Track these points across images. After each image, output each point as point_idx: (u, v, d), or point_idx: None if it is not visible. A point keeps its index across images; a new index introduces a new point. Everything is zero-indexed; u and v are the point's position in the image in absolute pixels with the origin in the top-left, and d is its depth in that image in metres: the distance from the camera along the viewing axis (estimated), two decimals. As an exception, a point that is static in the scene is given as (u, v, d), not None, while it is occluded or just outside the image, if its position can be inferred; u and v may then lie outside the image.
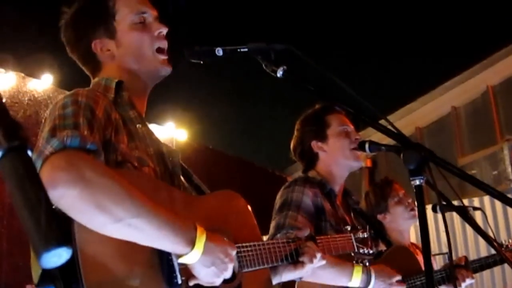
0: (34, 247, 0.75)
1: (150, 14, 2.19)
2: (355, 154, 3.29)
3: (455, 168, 1.91)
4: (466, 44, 9.17)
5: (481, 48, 9.08)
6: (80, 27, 2.17)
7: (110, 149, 1.85)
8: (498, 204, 7.20)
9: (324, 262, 2.38)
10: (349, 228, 2.69)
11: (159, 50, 2.17)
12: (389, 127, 1.98)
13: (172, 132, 8.45)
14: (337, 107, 3.32)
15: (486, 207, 6.99)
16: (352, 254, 2.63)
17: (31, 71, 6.30)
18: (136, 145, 1.97)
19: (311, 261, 2.28)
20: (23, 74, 6.23)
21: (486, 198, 7.39)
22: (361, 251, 2.63)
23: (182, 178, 2.18)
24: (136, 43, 2.14)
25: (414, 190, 1.88)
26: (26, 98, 6.20)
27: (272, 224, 3.10)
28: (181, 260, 1.78)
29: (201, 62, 2.11)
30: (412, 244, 4.35)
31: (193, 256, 1.78)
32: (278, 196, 3.23)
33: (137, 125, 2.04)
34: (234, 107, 8.93)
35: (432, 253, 7.48)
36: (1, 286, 3.22)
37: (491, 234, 3.61)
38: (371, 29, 9.82)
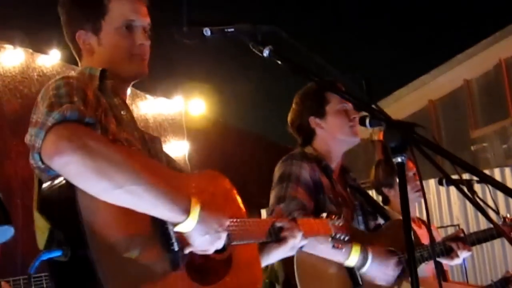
0: None
1: (139, 24, 2.21)
2: (354, 130, 3.30)
3: (437, 146, 1.90)
4: (479, 16, 9.09)
5: (494, 21, 8.99)
6: (71, 13, 2.20)
7: (102, 129, 1.91)
8: (508, 176, 7.19)
9: (306, 241, 2.42)
10: (325, 215, 2.73)
11: (136, 56, 2.20)
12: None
13: (181, 106, 8.47)
14: (332, 84, 3.33)
15: (497, 179, 6.99)
16: (330, 239, 2.66)
17: (39, 47, 6.34)
18: (123, 129, 2.03)
19: (292, 236, 2.33)
20: (31, 50, 6.28)
21: (496, 170, 7.39)
22: (337, 236, 2.67)
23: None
24: (115, 48, 2.17)
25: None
26: (35, 74, 6.26)
27: (272, 195, 3.13)
28: (177, 228, 1.86)
29: (189, 42, 2.14)
30: (418, 218, 4.38)
31: (189, 225, 1.86)
32: (276, 169, 3.25)
33: (122, 112, 2.10)
34: (247, 81, 8.92)
35: (444, 225, 7.54)
36: (17, 256, 3.33)
37: (496, 207, 3.64)
38: (384, 2, 9.74)
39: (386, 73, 9.60)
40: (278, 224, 2.35)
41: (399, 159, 1.86)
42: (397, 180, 4.34)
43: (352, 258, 3.00)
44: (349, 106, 3.36)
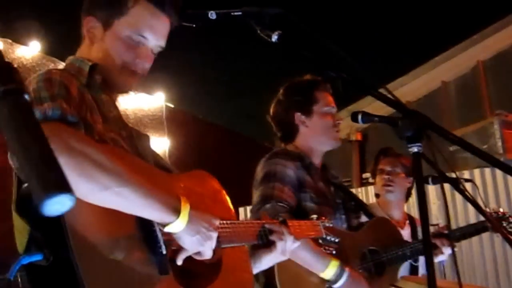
0: (34, 195, 0.72)
1: (151, 44, 2.14)
2: (336, 135, 3.31)
3: (454, 136, 1.89)
4: (457, 18, 9.14)
5: (472, 23, 9.06)
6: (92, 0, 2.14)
7: (87, 127, 1.83)
8: (488, 177, 7.26)
9: (298, 244, 2.39)
10: (315, 217, 2.71)
11: (128, 70, 2.13)
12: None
13: (161, 101, 8.39)
14: (328, 80, 3.30)
15: (476, 180, 7.06)
16: (320, 241, 2.64)
17: (18, 38, 6.22)
18: (110, 127, 1.96)
19: (280, 239, 2.28)
20: (10, 41, 6.17)
21: (476, 171, 7.43)
22: (328, 238, 2.65)
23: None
24: (113, 52, 2.09)
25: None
26: (14, 65, 6.14)
27: (257, 194, 3.10)
28: (167, 229, 1.81)
29: (194, 26, 2.09)
30: (407, 215, 4.39)
31: (178, 225, 1.81)
32: (259, 168, 3.22)
33: (109, 109, 2.03)
34: (223, 76, 8.88)
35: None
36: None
37: (481, 205, 3.65)
38: (358, 4, 9.77)
39: (361, 74, 9.62)
40: (268, 227, 2.29)
41: (415, 149, 1.84)
42: (376, 174, 4.34)
43: (329, 271, 2.97)
44: (335, 109, 3.36)
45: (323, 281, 3.02)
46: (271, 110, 3.47)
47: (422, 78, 9.91)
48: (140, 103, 8.07)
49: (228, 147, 9.54)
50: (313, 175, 3.27)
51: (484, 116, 8.88)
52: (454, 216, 7.45)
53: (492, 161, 1.81)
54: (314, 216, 2.72)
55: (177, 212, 1.80)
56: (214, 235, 1.91)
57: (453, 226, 7.26)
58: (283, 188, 3.06)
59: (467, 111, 9.20)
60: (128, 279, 1.72)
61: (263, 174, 3.16)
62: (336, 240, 2.71)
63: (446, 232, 3.71)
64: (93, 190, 1.65)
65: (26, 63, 6.22)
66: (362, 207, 3.60)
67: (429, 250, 1.82)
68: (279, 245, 2.29)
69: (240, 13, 2.03)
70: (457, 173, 6.74)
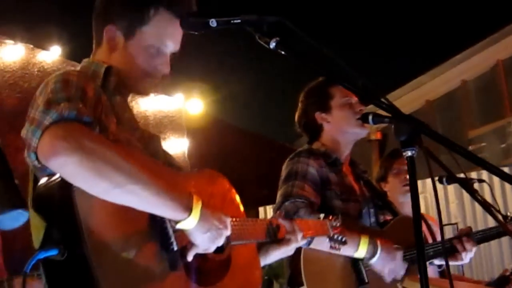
0: None
1: (170, 48, 2.18)
2: (360, 123, 3.29)
3: (448, 141, 1.91)
4: (477, 17, 9.10)
5: (492, 22, 9.01)
6: (113, 6, 2.16)
7: (101, 128, 1.88)
8: (496, 178, 7.20)
9: (305, 241, 2.42)
10: (322, 215, 2.73)
11: (151, 75, 2.17)
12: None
13: (181, 103, 8.47)
14: (333, 80, 3.33)
15: (494, 180, 7.01)
16: (327, 240, 2.66)
17: (39, 43, 6.33)
18: (123, 128, 2.01)
19: (293, 237, 2.33)
20: (32, 46, 6.27)
21: (485, 173, 7.40)
22: (335, 237, 2.67)
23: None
24: (137, 61, 2.12)
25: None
26: (35, 69, 6.26)
27: (279, 193, 3.14)
28: (178, 226, 1.85)
29: (196, 33, 2.15)
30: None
31: (190, 222, 1.84)
32: (283, 168, 3.26)
33: (123, 111, 2.08)
34: (245, 80, 8.93)
35: (443, 223, 7.56)
36: (16, 252, 3.33)
37: (497, 207, 3.64)
38: (381, 2, 9.75)
39: (383, 73, 9.62)
40: (277, 223, 2.32)
41: (409, 153, 1.86)
42: (389, 174, 4.33)
43: (361, 250, 3.01)
44: (354, 99, 3.37)
45: (349, 268, 3.06)
46: (295, 118, 3.54)
47: (442, 77, 9.88)
48: (160, 105, 8.16)
49: (248, 147, 9.59)
50: (339, 172, 3.31)
51: (504, 115, 8.84)
52: (472, 215, 7.44)
53: (485, 166, 1.83)
54: (322, 215, 2.74)
55: (189, 209, 1.83)
56: (225, 232, 1.94)
57: (471, 225, 7.27)
58: (304, 185, 3.10)
59: (487, 110, 9.16)
60: (139, 275, 1.77)
61: (285, 173, 3.21)
62: (344, 239, 2.73)
63: (469, 233, 3.67)
64: (107, 188, 1.69)
65: (47, 68, 6.33)
66: (387, 204, 3.62)
67: (422, 253, 1.85)
68: (287, 241, 2.33)
69: (239, 20, 2.08)
70: (475, 172, 6.75)
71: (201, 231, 1.87)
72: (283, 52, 2.01)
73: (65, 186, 1.70)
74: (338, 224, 2.71)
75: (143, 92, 2.22)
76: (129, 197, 1.74)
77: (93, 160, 1.68)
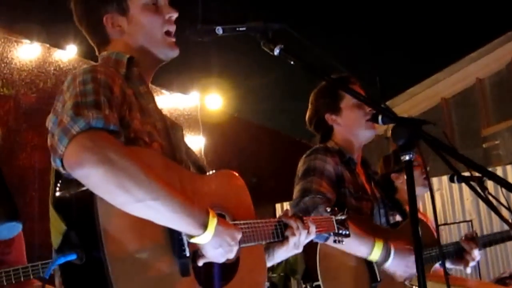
0: None
1: None
2: (370, 124, 3.33)
3: (443, 145, 1.94)
4: (492, 15, 9.05)
5: (507, 19, 8.96)
6: (90, 6, 2.21)
7: (124, 125, 1.94)
8: (511, 176, 7.20)
9: (312, 237, 2.44)
10: (328, 209, 2.75)
11: (168, 33, 2.24)
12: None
13: (197, 101, 8.51)
14: (349, 79, 3.36)
15: (509, 177, 6.99)
16: (332, 235, 2.69)
17: (56, 42, 6.41)
18: (146, 120, 2.05)
19: (293, 234, 2.33)
20: (48, 45, 6.35)
21: (509, 167, 7.39)
22: (340, 231, 2.70)
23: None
24: (147, 24, 2.20)
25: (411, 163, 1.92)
26: (52, 68, 6.34)
27: (297, 189, 3.16)
28: (192, 240, 1.91)
29: (203, 40, 2.20)
30: (420, 213, 4.41)
31: (205, 238, 1.90)
32: (300, 164, 3.29)
33: (147, 101, 2.13)
34: (262, 77, 8.95)
35: (457, 220, 7.56)
36: (35, 247, 3.42)
37: (506, 205, 3.65)
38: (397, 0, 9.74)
39: (399, 70, 9.61)
40: (284, 221, 2.35)
41: (407, 157, 1.90)
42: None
43: (375, 252, 3.04)
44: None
45: (363, 265, 3.09)
46: (306, 118, 3.57)
47: (458, 75, 9.85)
48: (176, 102, 8.22)
49: (264, 144, 9.61)
50: (352, 171, 3.34)
51: (520, 113, 8.82)
52: (487, 212, 7.43)
53: (478, 168, 1.86)
54: (328, 208, 2.75)
55: (204, 226, 1.89)
56: (235, 248, 2.00)
57: (486, 222, 7.27)
58: (321, 182, 3.13)
59: (502, 108, 9.13)
60: (153, 281, 1.83)
61: (303, 169, 3.24)
62: (347, 233, 2.76)
63: (473, 237, 3.69)
64: (127, 201, 1.75)
65: (63, 67, 6.41)
66: (398, 206, 3.64)
67: (419, 251, 1.89)
68: (292, 239, 2.34)
69: (244, 28, 2.13)
70: (491, 169, 6.74)
71: (213, 246, 1.94)
72: (287, 59, 2.06)
73: (87, 192, 1.76)
74: (344, 218, 2.74)
75: (167, 55, 2.26)
76: (148, 212, 1.80)
77: (117, 174, 1.73)
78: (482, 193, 2.57)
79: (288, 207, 3.17)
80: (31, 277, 3.24)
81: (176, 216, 1.84)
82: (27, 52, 6.20)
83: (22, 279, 3.21)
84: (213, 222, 1.91)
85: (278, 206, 8.99)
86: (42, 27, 6.15)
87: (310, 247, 2.52)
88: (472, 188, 2.72)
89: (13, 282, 3.18)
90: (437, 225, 1.96)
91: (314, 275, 2.98)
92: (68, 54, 6.53)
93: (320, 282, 2.97)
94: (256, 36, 2.11)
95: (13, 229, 0.83)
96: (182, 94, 8.27)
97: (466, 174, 2.35)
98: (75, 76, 1.95)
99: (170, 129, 2.20)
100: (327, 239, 2.60)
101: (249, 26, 2.12)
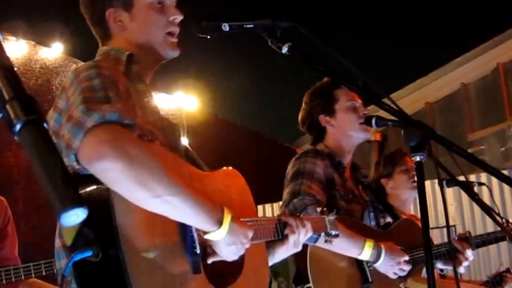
0: (54, 208, 0.82)
1: None
2: (363, 127, 3.34)
3: (455, 145, 1.94)
4: (477, 21, 9.13)
5: (492, 25, 9.05)
6: None
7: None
8: (496, 181, 7.24)
9: (310, 234, 2.44)
10: (318, 209, 2.75)
11: (170, 34, 2.21)
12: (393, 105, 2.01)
13: (181, 101, 8.46)
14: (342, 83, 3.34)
15: (493, 183, 7.03)
16: (323, 234, 2.69)
17: (41, 40, 6.32)
18: (147, 118, 2.03)
19: (293, 232, 2.34)
20: (34, 43, 6.26)
21: (485, 176, 7.42)
22: (331, 232, 2.71)
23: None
24: (150, 22, 2.17)
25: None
26: (37, 66, 6.26)
27: (286, 191, 3.18)
28: (207, 237, 1.91)
29: (208, 37, 2.16)
30: (412, 215, 4.42)
31: (219, 234, 1.90)
32: (289, 167, 3.30)
33: (146, 99, 2.10)
34: (245, 78, 8.95)
35: (440, 225, 7.60)
36: (20, 246, 3.38)
37: (496, 210, 3.67)
38: (382, 4, 9.78)
39: (383, 75, 9.65)
40: (284, 220, 2.36)
41: (418, 158, 1.89)
42: (396, 170, 4.36)
43: (366, 252, 3.06)
44: (358, 102, 3.40)
45: (354, 266, 3.12)
46: (299, 118, 3.56)
47: (442, 79, 9.90)
48: (160, 103, 8.13)
49: (248, 146, 9.59)
50: (341, 174, 3.34)
51: (504, 118, 8.87)
52: (470, 218, 7.46)
53: (492, 171, 1.86)
54: (319, 209, 2.77)
55: (219, 222, 1.89)
56: (247, 246, 2.01)
57: (470, 228, 7.30)
58: (311, 184, 3.14)
59: (487, 113, 9.19)
60: (168, 278, 1.83)
61: (292, 172, 3.25)
62: (337, 233, 2.76)
63: (465, 238, 3.71)
64: (145, 197, 1.73)
65: (49, 65, 6.32)
66: (388, 208, 3.65)
67: (429, 253, 1.89)
68: (291, 238, 2.35)
69: (252, 25, 2.10)
70: (474, 175, 6.77)
71: (226, 244, 1.94)
72: (295, 57, 2.03)
73: (103, 188, 1.73)
74: (333, 217, 2.74)
75: (168, 54, 2.23)
76: (165, 207, 1.79)
77: (136, 168, 1.70)
78: (476, 198, 2.59)
79: (269, 209, 3.16)
80: (33, 276, 3.20)
81: (193, 212, 1.83)
82: (13, 49, 6.09)
83: (22, 278, 3.17)
84: (227, 219, 1.91)
85: (260, 207, 9.00)
86: (28, 24, 6.09)
87: (301, 250, 2.50)
88: (467, 192, 2.73)
89: (13, 280, 3.13)
90: (427, 226, 1.96)
91: (305, 277, 3.00)
92: (54, 52, 6.44)
93: (311, 284, 2.99)
94: (263, 34, 2.08)
95: (79, 215, 0.79)
96: (166, 94, 8.20)
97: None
98: (77, 72, 1.91)
99: (168, 129, 2.18)
100: (316, 240, 2.59)
101: (257, 23, 2.09)
